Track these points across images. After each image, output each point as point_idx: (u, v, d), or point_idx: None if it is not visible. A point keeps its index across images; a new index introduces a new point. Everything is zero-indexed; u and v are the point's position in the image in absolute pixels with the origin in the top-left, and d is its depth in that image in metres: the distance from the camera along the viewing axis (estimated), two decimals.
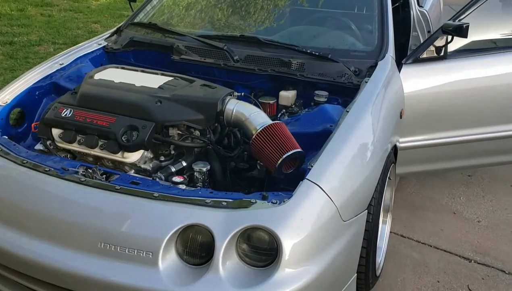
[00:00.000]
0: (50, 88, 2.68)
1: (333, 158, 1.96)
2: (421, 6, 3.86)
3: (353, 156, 2.04)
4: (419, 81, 2.80)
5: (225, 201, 1.80)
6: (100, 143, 2.15)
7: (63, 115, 2.21)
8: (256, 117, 2.11)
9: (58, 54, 2.94)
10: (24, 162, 2.07)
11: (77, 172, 1.99)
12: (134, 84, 2.25)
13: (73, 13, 7.85)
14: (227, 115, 2.16)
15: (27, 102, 2.59)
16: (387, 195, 2.65)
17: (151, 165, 2.19)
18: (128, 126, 2.11)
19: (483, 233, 2.99)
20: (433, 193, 3.37)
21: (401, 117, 2.64)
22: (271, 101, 2.51)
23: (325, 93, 2.51)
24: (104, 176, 1.99)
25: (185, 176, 2.04)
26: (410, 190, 3.39)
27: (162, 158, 2.20)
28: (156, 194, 1.83)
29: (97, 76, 2.35)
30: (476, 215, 3.17)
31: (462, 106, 2.87)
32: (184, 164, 2.16)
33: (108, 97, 2.20)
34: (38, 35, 6.54)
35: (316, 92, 2.53)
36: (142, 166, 2.18)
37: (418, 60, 2.81)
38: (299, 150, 2.01)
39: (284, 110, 2.58)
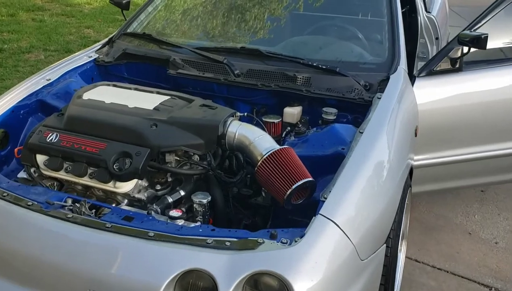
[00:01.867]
0: (36, 106, 2.48)
1: (348, 188, 1.76)
2: (429, 12, 3.68)
3: (370, 185, 1.85)
4: (433, 95, 2.61)
5: (229, 241, 1.60)
6: (89, 171, 1.95)
7: (48, 140, 2.00)
8: (261, 142, 1.91)
9: (45, 69, 2.73)
10: (5, 194, 1.86)
11: (63, 206, 1.78)
12: (127, 105, 2.05)
13: (65, 18, 7.64)
14: (229, 139, 1.97)
15: (11, 122, 2.38)
16: (403, 221, 2.46)
17: (146, 194, 1.99)
18: (120, 153, 1.90)
19: (502, 256, 2.81)
20: (446, 211, 3.19)
21: (416, 135, 2.46)
22: (275, 120, 2.31)
23: (334, 110, 2.32)
24: (93, 210, 1.78)
25: (183, 209, 1.84)
26: (422, 208, 3.20)
27: (158, 187, 2.00)
28: (151, 233, 1.63)
29: (86, 95, 2.15)
30: (493, 235, 2.99)
31: (480, 121, 2.68)
32: (182, 193, 1.96)
33: (98, 120, 2.00)
34: (28, 41, 6.33)
35: (325, 109, 2.33)
36: (136, 196, 1.98)
37: (432, 73, 2.62)
38: (310, 179, 1.81)
39: (289, 128, 2.38)
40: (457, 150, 2.70)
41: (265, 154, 1.85)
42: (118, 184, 1.90)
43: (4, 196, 1.86)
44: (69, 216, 1.72)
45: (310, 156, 2.03)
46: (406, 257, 2.67)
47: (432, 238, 2.92)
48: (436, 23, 3.57)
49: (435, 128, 2.62)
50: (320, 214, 1.65)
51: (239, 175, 2.07)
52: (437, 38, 3.53)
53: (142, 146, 1.91)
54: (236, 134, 1.95)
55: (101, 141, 1.95)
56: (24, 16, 7.51)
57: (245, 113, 2.14)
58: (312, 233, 1.60)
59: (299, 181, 1.78)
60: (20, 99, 2.44)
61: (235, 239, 1.60)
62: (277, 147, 1.89)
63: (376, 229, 1.81)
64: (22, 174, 2.13)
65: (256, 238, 1.60)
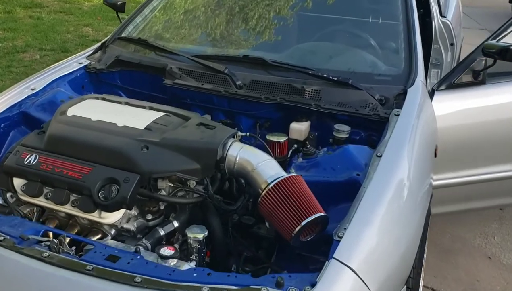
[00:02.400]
0: (18, 119, 2.26)
1: (366, 225, 1.54)
2: (444, 16, 3.45)
3: (390, 221, 1.62)
4: (454, 110, 2.38)
5: (228, 289, 1.38)
6: (72, 198, 1.74)
7: (26, 162, 1.78)
8: (265, 168, 1.68)
9: (31, 77, 2.51)
10: None
11: (39, 242, 1.57)
12: (115, 124, 1.83)
13: (63, 15, 7.43)
14: (229, 163, 1.74)
15: None
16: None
17: (135, 224, 1.77)
18: (106, 180, 1.69)
19: None
20: (463, 232, 2.97)
21: (435, 156, 2.23)
22: (281, 140, 2.08)
23: (347, 128, 2.09)
24: (73, 247, 1.57)
25: (175, 246, 1.62)
26: (437, 229, 2.98)
27: (149, 216, 1.78)
28: (138, 279, 1.40)
29: (71, 111, 1.93)
30: None
31: (505, 137, 2.45)
32: (176, 224, 1.74)
33: (83, 141, 1.78)
34: (24, 40, 6.11)
35: (336, 127, 2.10)
36: (125, 226, 1.76)
37: (452, 86, 2.39)
38: (323, 214, 1.59)
39: (295, 145, 2.16)
40: (480, 168, 2.47)
41: (270, 183, 1.63)
42: (104, 214, 1.69)
43: None
44: (45, 254, 1.50)
45: (320, 182, 1.81)
46: (422, 285, 2.45)
47: (449, 263, 2.70)
48: (451, 28, 3.34)
49: (456, 146, 2.39)
50: (335, 258, 1.43)
51: (240, 201, 1.85)
52: (452, 44, 3.30)
53: (131, 171, 1.69)
54: (237, 158, 1.72)
55: (85, 165, 1.73)
56: (21, 13, 7.29)
57: (247, 133, 1.91)
58: (326, 282, 1.37)
59: (310, 216, 1.56)
60: (1, 111, 2.23)
61: (234, 287, 1.39)
62: (284, 174, 1.67)
63: (397, 271, 1.59)
64: None
65: (259, 287, 1.38)
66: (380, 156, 1.82)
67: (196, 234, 1.64)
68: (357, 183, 1.73)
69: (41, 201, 1.77)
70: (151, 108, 1.95)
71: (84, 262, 1.46)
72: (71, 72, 2.53)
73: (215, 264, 1.75)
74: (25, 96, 2.32)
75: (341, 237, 1.49)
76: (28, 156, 1.80)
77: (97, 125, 1.83)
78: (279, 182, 1.62)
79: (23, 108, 2.27)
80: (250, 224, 1.86)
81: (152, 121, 1.83)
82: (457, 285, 2.56)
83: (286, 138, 2.09)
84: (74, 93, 2.43)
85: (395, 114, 2.07)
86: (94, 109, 1.95)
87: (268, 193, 1.62)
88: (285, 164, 2.01)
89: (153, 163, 1.70)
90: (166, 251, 1.55)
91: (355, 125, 2.13)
